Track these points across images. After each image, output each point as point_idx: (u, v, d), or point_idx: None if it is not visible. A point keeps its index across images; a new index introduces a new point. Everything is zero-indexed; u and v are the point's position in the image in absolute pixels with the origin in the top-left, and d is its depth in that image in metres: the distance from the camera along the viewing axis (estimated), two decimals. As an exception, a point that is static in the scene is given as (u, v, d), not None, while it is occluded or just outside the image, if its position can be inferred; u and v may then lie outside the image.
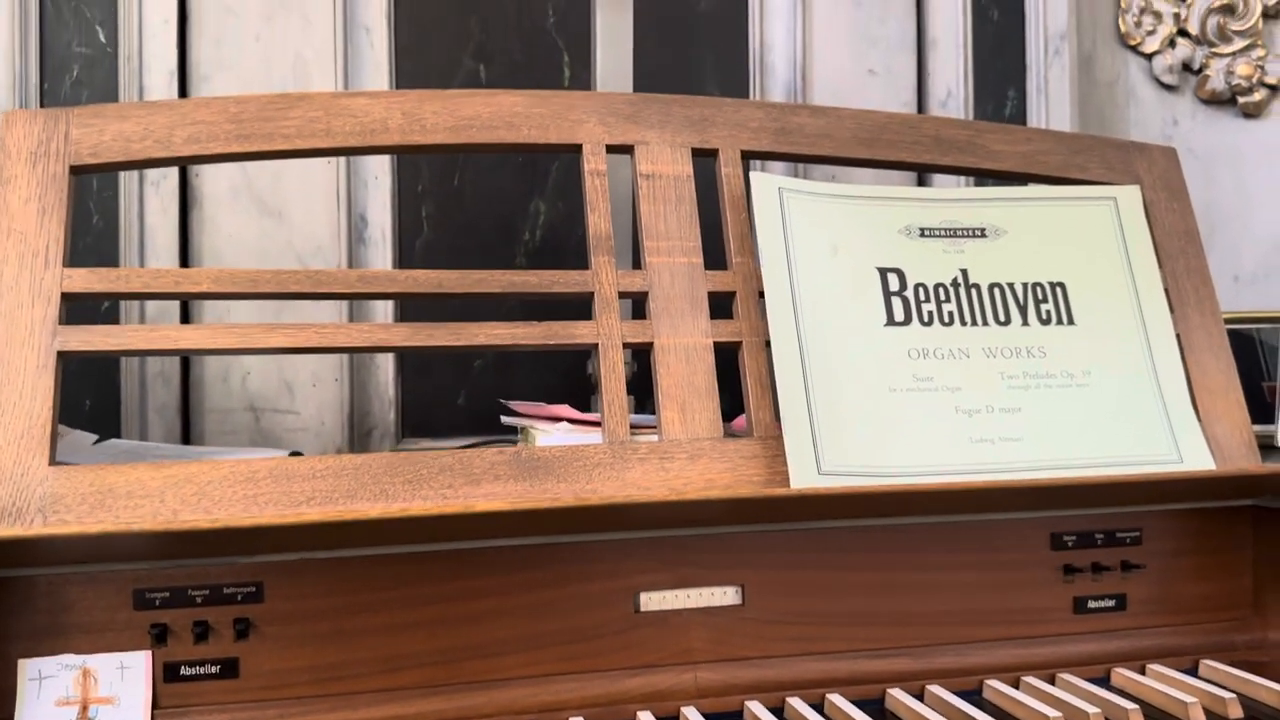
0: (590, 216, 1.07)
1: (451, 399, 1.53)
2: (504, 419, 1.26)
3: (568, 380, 1.51)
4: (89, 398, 1.41)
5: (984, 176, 1.21)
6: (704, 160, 1.14)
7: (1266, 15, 1.83)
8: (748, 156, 1.15)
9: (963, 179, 1.59)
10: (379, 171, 1.51)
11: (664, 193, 1.10)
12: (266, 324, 0.96)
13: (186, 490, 0.89)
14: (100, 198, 1.42)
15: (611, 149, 1.11)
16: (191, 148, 1.00)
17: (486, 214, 1.56)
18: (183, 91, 1.44)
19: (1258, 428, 1.15)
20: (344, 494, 0.90)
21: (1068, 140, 1.23)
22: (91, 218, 1.42)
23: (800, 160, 1.18)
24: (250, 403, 1.45)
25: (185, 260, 1.44)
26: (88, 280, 0.94)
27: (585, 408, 1.22)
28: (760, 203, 1.10)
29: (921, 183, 1.58)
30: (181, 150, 1.00)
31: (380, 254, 1.50)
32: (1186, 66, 1.86)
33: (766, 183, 1.11)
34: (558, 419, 1.14)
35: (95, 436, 1.20)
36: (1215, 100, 1.85)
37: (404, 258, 1.53)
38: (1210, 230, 1.86)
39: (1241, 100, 1.83)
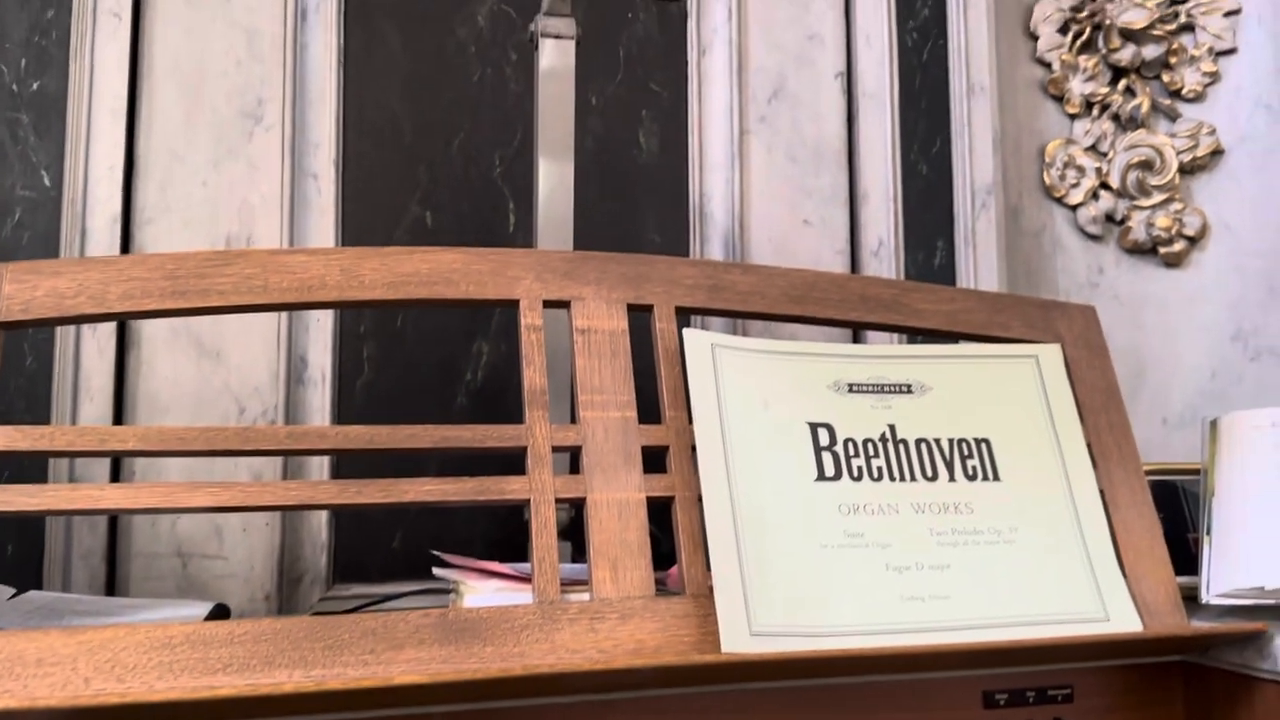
0: (526, 371, 1.09)
1: (386, 542, 1.51)
2: (436, 570, 1.24)
3: (505, 526, 1.50)
4: (11, 543, 1.37)
5: (910, 333, 1.25)
6: (640, 315, 1.16)
7: (1183, 171, 1.92)
8: (682, 312, 1.18)
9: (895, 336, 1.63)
10: (321, 313, 1.52)
11: (599, 347, 1.12)
12: (191, 483, 0.95)
13: (100, 657, 0.86)
14: (34, 338, 1.41)
15: (548, 304, 1.13)
16: (125, 304, 1.00)
17: (429, 354, 1.57)
18: (125, 235, 1.45)
19: (1182, 580, 1.17)
20: (262, 660, 0.88)
21: (990, 299, 1.27)
22: (25, 358, 1.41)
23: (732, 316, 1.21)
24: (178, 547, 1.42)
25: (120, 402, 1.43)
26: (11, 438, 0.93)
27: (522, 554, 1.21)
28: (693, 358, 1.12)
29: (858, 339, 1.61)
30: (115, 307, 1.00)
31: (319, 395, 1.50)
32: (1110, 218, 1.94)
33: (699, 339, 1.14)
34: (489, 574, 1.13)
35: (12, 590, 1.17)
36: (1138, 250, 1.93)
37: (344, 399, 1.52)
38: (1139, 373, 1.92)
39: (1163, 250, 1.91)
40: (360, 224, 1.56)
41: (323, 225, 1.53)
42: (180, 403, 1.45)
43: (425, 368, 1.56)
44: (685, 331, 1.13)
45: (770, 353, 1.17)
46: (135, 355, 1.45)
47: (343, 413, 1.51)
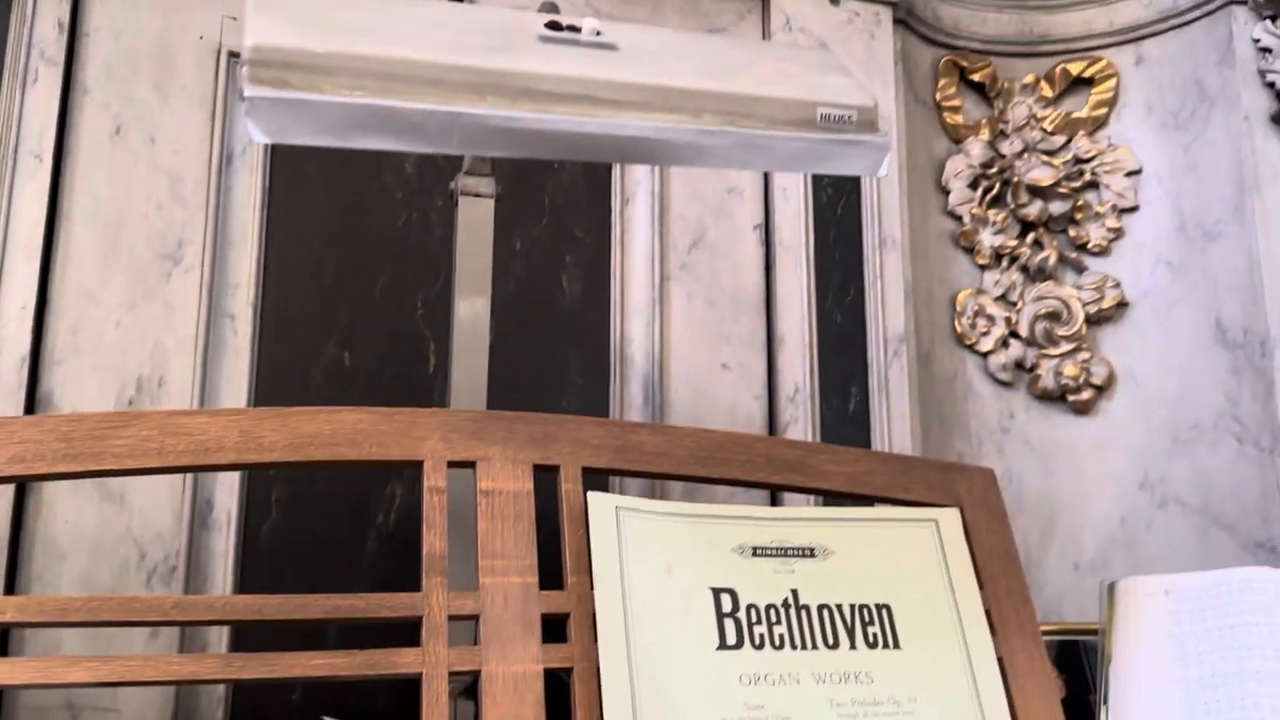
0: (426, 535, 1.08)
1: (287, 694, 1.46)
2: (331, 736, 1.21)
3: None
4: (-113, 697, 1.31)
5: (814, 495, 1.27)
6: (547, 474, 1.17)
7: (1090, 322, 2.00)
8: (590, 473, 1.18)
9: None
10: (231, 457, 1.49)
11: (503, 509, 1.12)
12: (68, 657, 0.92)
13: None
14: (-70, 482, 1.37)
15: (453, 464, 1.13)
16: (15, 467, 0.99)
17: (340, 497, 1.55)
18: (33, 376, 1.43)
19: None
20: None
21: (893, 461, 1.29)
22: (-83, 502, 1.37)
23: (639, 476, 1.22)
24: (69, 700, 1.37)
25: (16, 548, 1.39)
26: (-121, 610, 0.90)
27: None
28: (597, 522, 1.13)
29: (774, 501, 1.62)
30: (5, 470, 0.98)
31: (223, 540, 1.47)
32: (1019, 365, 2.00)
33: (604, 502, 1.14)
34: (382, 744, 1.10)
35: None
36: (1047, 397, 1.99)
37: (248, 544, 1.50)
38: (1051, 520, 1.95)
39: (1071, 398, 1.97)
40: (276, 365, 1.55)
41: (237, 368, 1.52)
42: (79, 548, 1.41)
43: (335, 511, 1.54)
44: (590, 495, 1.14)
45: (675, 515, 1.18)
46: (35, 498, 1.41)
47: (246, 559, 1.48)
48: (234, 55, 1.60)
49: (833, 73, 0.88)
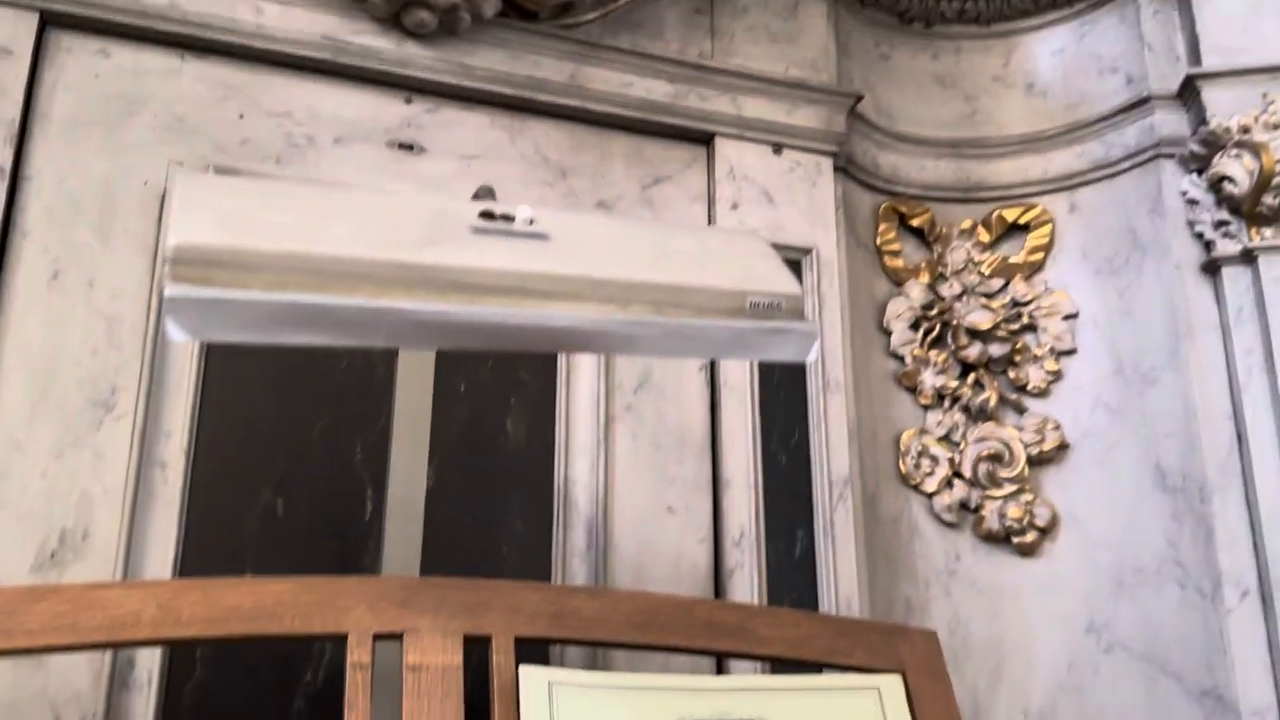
0: (348, 715, 1.04)
1: None
2: None
3: None
4: None
5: (756, 660, 1.24)
6: (479, 643, 1.14)
7: (1032, 463, 2.01)
8: (524, 642, 1.15)
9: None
10: (156, 611, 1.44)
11: (431, 686, 1.08)
12: None
13: None
14: None
15: (380, 637, 1.10)
16: (-87, 649, 0.94)
17: (266, 654, 1.50)
18: (-50, 529, 1.38)
19: None
20: None
21: (833, 624, 1.28)
22: None
23: (575, 644, 1.19)
24: None
25: (-82, 711, 1.32)
26: None
27: None
28: (529, 699, 1.09)
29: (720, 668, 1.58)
30: (-99, 652, 0.94)
31: (143, 700, 1.41)
32: (964, 506, 2.01)
33: (536, 677, 1.11)
34: None
35: None
36: (993, 538, 1.99)
37: (170, 704, 1.43)
38: (999, 664, 1.93)
39: (1016, 540, 1.97)
40: (207, 515, 1.51)
41: (166, 519, 1.48)
42: (-12, 709, 1.34)
43: (262, 668, 1.49)
44: (522, 669, 1.11)
45: (613, 688, 1.15)
46: (-57, 658, 1.35)
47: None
48: (178, 200, 1.60)
49: (763, 258, 0.90)
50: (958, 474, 2.01)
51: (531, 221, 0.84)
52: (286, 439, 1.60)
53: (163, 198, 1.60)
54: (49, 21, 1.59)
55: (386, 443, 1.63)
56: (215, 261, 0.69)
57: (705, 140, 1.97)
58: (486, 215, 0.83)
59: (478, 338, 0.77)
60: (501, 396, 1.75)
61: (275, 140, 1.68)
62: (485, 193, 0.95)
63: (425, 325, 0.75)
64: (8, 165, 1.51)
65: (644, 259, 0.85)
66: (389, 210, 0.81)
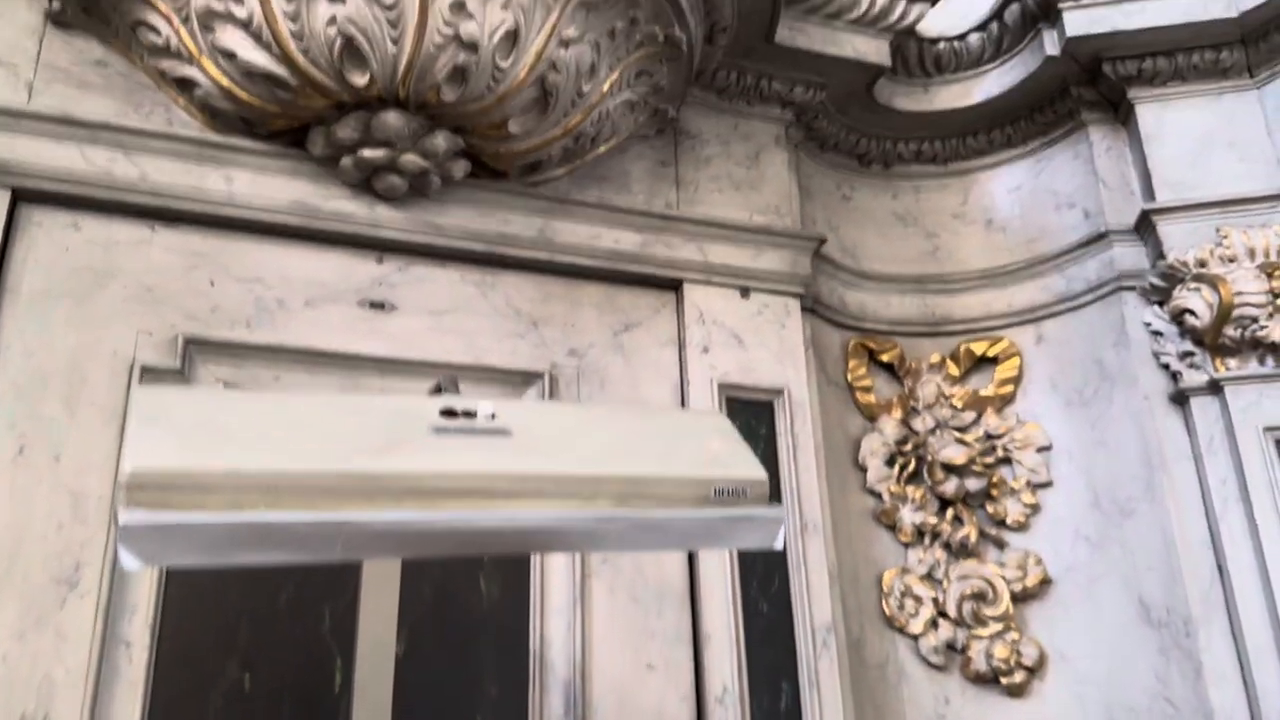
0: None
1: None
2: None
3: None
4: None
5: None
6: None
7: (1016, 599, 1.99)
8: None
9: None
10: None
11: None
12: None
13: None
14: None
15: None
16: None
17: (236, 840, 1.44)
18: (-98, 723, 1.33)
19: None
20: None
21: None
22: None
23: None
24: None
25: None
26: None
27: None
28: None
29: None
30: None
31: None
32: (951, 646, 1.97)
33: None
34: None
35: None
36: (981, 680, 1.95)
37: None
38: (994, 811, 1.88)
39: (1004, 680, 1.94)
40: (172, 695, 1.47)
41: (130, 699, 1.44)
42: None
43: None
44: None
45: None
46: None
47: None
48: (147, 370, 1.60)
49: (725, 439, 0.90)
50: (942, 613, 1.98)
51: (493, 416, 0.84)
52: (252, 609, 1.57)
53: (131, 368, 1.59)
54: (20, 197, 1.61)
55: (355, 610, 1.59)
56: (171, 485, 0.68)
57: (674, 286, 2.00)
58: (448, 413, 0.83)
59: (440, 544, 0.76)
60: (475, 556, 1.72)
61: (246, 305, 1.69)
62: (448, 383, 0.96)
63: (385, 535, 0.74)
64: (-25, 343, 1.51)
65: (606, 449, 0.84)
66: (349, 414, 0.81)
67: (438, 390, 0.97)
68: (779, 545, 0.86)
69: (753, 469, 0.86)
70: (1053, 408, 2.12)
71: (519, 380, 1.83)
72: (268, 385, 1.67)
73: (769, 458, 1.90)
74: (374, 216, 1.79)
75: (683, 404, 1.92)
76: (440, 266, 1.86)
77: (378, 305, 1.79)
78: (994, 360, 2.17)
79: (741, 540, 0.85)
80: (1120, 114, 2.16)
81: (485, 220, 1.86)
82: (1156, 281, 2.00)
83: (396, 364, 1.75)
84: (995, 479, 2.07)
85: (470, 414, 0.84)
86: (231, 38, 1.60)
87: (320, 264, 1.77)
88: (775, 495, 1.75)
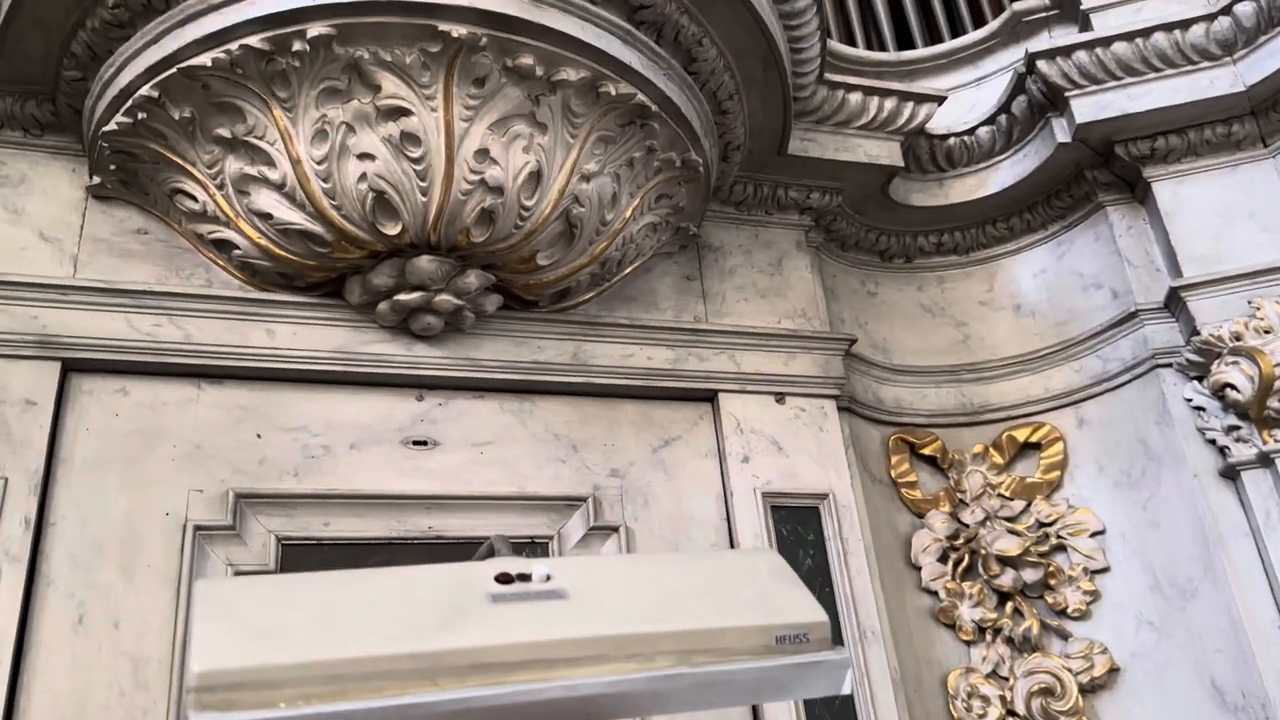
0: None
1: None
2: None
3: None
4: None
5: None
6: None
7: (1084, 691, 1.95)
8: None
9: None
10: None
11: None
12: None
13: None
14: None
15: None
16: None
17: None
18: None
19: None
20: None
21: None
22: None
23: None
24: None
25: None
26: None
27: None
28: None
29: None
30: None
31: None
32: (1022, 747, 1.92)
33: None
34: None
35: None
36: (1057, 776, 1.89)
37: None
38: None
39: (1082, 776, 1.88)
40: None
41: None
42: None
43: None
44: None
45: None
46: None
47: None
48: (200, 529, 1.62)
49: (781, 580, 0.90)
50: (1011, 712, 1.94)
51: (548, 578, 0.85)
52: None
53: (184, 527, 1.62)
54: (70, 368, 1.65)
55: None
56: (238, 684, 0.69)
57: (709, 398, 2.01)
58: (503, 579, 0.84)
59: (504, 718, 0.76)
60: None
61: (293, 455, 1.72)
62: (500, 544, 0.97)
63: (450, 715, 0.74)
64: (33, 515, 1.54)
65: (663, 602, 0.85)
66: (407, 588, 0.82)
67: (490, 553, 0.98)
68: (846, 690, 0.86)
69: (813, 611, 0.86)
70: (1101, 490, 2.09)
71: (563, 506, 1.84)
72: (318, 532, 1.69)
73: (819, 564, 1.89)
74: (412, 355, 1.82)
75: (727, 515, 1.92)
76: (479, 398, 1.88)
77: (420, 443, 1.81)
78: (1037, 446, 2.16)
79: (808, 688, 0.85)
80: (1137, 193, 2.18)
81: (520, 349, 1.90)
82: (1193, 357, 1.99)
83: (442, 500, 1.77)
84: (1051, 568, 2.04)
85: (525, 577, 0.85)
86: (266, 200, 1.66)
87: (363, 406, 1.80)
88: (838, 637, 1.74)
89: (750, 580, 0.90)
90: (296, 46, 1.53)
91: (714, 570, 0.93)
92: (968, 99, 2.41)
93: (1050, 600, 2.03)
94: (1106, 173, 2.18)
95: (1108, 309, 2.15)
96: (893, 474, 2.13)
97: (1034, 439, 2.16)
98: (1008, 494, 2.12)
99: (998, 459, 2.15)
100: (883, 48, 2.67)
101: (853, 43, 2.69)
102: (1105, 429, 2.12)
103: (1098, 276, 2.20)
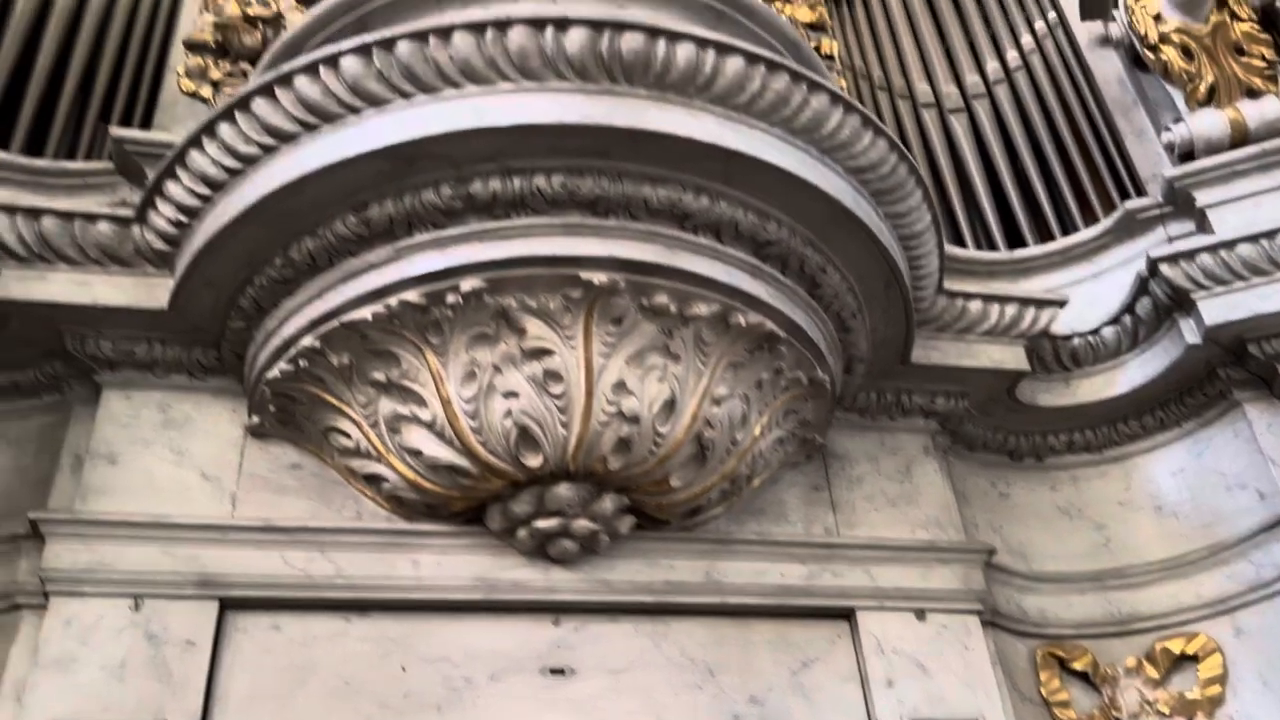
0: None
1: None
2: None
3: None
4: None
5: None
6: None
7: None
8: None
9: None
10: None
11: None
12: None
13: None
14: None
15: None
16: None
17: None
18: None
19: None
20: None
21: None
22: None
23: None
24: None
25: None
26: None
27: None
28: None
29: None
30: None
31: None
32: None
33: None
34: None
35: None
36: None
37: None
38: None
39: None
40: None
41: None
42: None
43: None
44: None
45: None
46: None
47: None
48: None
49: None
50: None
51: None
52: None
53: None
54: (226, 606, 1.71)
55: None
56: None
57: (846, 615, 1.97)
58: None
59: None
60: None
61: (435, 688, 1.73)
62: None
63: None
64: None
65: None
66: None
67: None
68: None
69: None
70: (1268, 706, 1.96)
71: (703, 737, 1.80)
72: (459, 769, 1.68)
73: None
74: (549, 581, 1.84)
75: (873, 745, 1.85)
76: (613, 621, 1.88)
77: (558, 671, 1.81)
78: (1193, 658, 2.04)
79: None
80: (1275, 389, 2.12)
81: (653, 570, 1.89)
82: (1358, 563, 1.90)
83: (581, 732, 1.75)
84: (1227, 789, 1.90)
85: None
86: (416, 437, 1.73)
87: (501, 635, 1.81)
88: None
89: None
90: (450, 299, 1.63)
91: None
92: (1085, 293, 2.40)
93: (1222, 832, 1.89)
94: (1240, 370, 2.14)
95: (1255, 511, 2.07)
96: (1043, 692, 2.04)
97: (1189, 650, 2.05)
98: (1167, 710, 2.01)
99: (1152, 673, 2.05)
100: (991, 244, 2.68)
101: (960, 240, 2.71)
102: (1266, 639, 2.00)
103: (1241, 476, 2.12)
